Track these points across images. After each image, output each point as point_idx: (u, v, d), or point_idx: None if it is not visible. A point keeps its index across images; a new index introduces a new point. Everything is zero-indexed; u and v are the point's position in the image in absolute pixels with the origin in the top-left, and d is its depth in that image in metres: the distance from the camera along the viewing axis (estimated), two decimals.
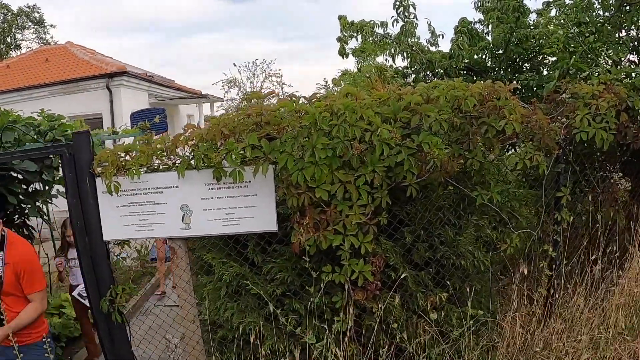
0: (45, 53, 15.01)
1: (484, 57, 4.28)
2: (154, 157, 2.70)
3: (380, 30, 4.30)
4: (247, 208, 2.67)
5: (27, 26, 28.04)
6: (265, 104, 2.79)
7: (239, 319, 2.78)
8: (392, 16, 4.18)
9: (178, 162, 2.68)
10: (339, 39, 4.48)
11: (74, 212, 2.80)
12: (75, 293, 4.40)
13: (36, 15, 28.04)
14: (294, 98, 2.65)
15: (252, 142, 2.50)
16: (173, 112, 14.39)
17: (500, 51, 4.10)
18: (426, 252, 2.92)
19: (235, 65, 39.90)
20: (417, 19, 4.16)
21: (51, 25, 29.19)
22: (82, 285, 3.86)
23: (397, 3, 4.10)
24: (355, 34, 4.33)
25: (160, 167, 2.72)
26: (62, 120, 3.89)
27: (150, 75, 13.63)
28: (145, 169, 2.71)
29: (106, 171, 2.64)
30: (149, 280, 5.98)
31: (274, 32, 57.81)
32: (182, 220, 2.70)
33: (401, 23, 4.16)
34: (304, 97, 2.71)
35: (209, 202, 2.67)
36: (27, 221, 4.21)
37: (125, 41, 52.11)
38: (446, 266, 2.98)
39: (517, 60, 4.13)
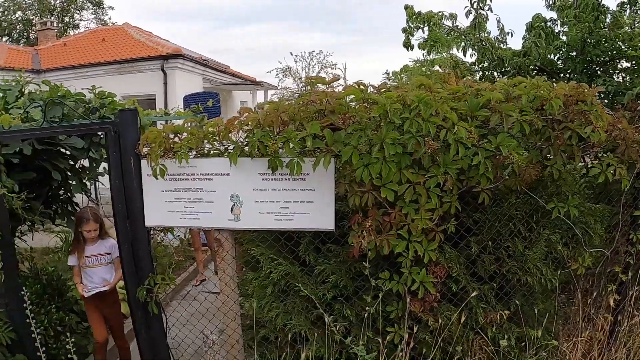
0: (102, 33, 15.09)
1: (556, 57, 3.95)
2: (205, 141, 2.51)
3: (448, 23, 4.00)
4: (303, 203, 2.45)
5: (85, 7, 28.47)
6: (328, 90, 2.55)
7: (284, 320, 2.58)
8: (465, 6, 3.88)
9: (231, 148, 2.48)
10: (404, 30, 4.19)
11: (116, 195, 2.63)
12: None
13: None
14: (362, 86, 2.41)
15: (314, 131, 2.28)
16: (226, 98, 14.35)
17: (574, 53, 3.76)
18: (492, 264, 2.66)
19: (291, 55, 40.33)
20: (491, 11, 3.86)
21: (109, 7, 29.63)
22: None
23: None
24: (421, 25, 4.04)
25: (211, 152, 2.52)
26: (113, 98, 3.73)
27: (205, 60, 13.56)
28: (194, 153, 2.51)
29: (152, 152, 2.45)
30: (191, 264, 5.85)
31: (328, 24, 57.53)
32: (231, 211, 2.50)
33: (472, 16, 3.86)
34: (372, 86, 2.47)
35: (262, 193, 2.46)
36: (72, 197, 4.11)
37: (181, 26, 52.72)
38: (511, 282, 2.72)
39: (593, 63, 3.78)
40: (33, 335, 2.59)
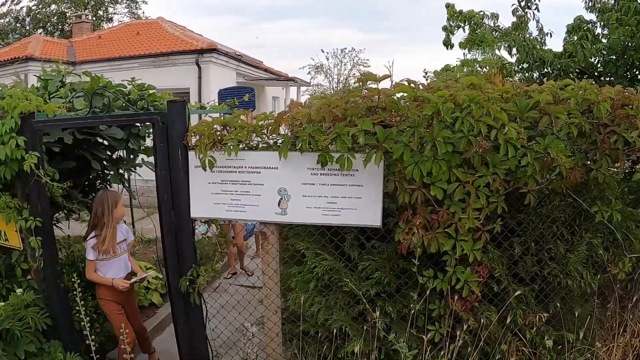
0: (137, 27, 15.19)
1: (596, 60, 3.95)
2: (254, 134, 2.54)
3: (489, 22, 4.02)
4: (351, 199, 2.48)
5: (119, 1, 28.94)
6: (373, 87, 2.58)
7: (326, 315, 2.61)
8: (513, 4, 3.88)
9: (280, 141, 2.51)
10: (444, 29, 4.21)
11: (162, 185, 2.68)
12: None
13: None
14: (412, 84, 2.43)
15: (365, 127, 2.30)
16: (259, 93, 14.45)
17: (614, 56, 3.76)
18: (533, 266, 2.67)
19: (323, 52, 40.76)
20: (538, 10, 3.86)
21: (143, 1, 30.16)
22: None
23: None
24: (462, 24, 4.06)
25: (260, 145, 2.55)
26: (152, 91, 3.78)
27: (239, 55, 13.66)
28: (243, 145, 2.55)
29: (201, 144, 2.49)
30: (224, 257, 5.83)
31: (359, 22, 57.77)
32: (278, 205, 2.53)
33: (517, 15, 3.86)
34: (422, 85, 2.49)
35: (310, 188, 2.50)
36: (109, 187, 4.18)
37: (211, 21, 53.32)
38: (551, 284, 2.73)
39: (634, 67, 3.78)
40: (83, 321, 2.62)
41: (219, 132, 2.55)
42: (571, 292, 2.78)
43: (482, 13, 4.07)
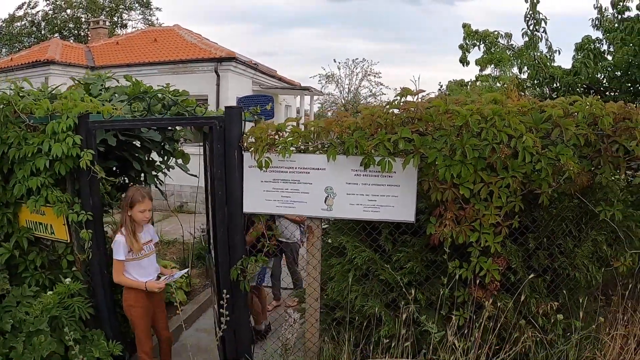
0: (154, 34, 16.15)
1: (601, 76, 4.58)
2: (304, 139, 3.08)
3: (503, 41, 4.64)
4: (389, 197, 3.02)
5: (133, 7, 29.98)
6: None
7: (362, 302, 3.14)
8: (523, 28, 4.52)
9: (327, 145, 3.05)
10: (461, 47, 4.83)
11: (217, 183, 3.18)
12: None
13: None
14: (445, 99, 3.00)
15: (404, 135, 2.85)
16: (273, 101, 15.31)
17: (619, 73, 4.40)
18: (545, 259, 3.24)
19: (335, 62, 42.09)
20: (546, 33, 4.50)
21: (157, 8, 31.33)
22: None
23: (529, 16, 4.44)
24: (477, 43, 4.68)
25: (309, 148, 3.09)
26: (186, 96, 4.30)
27: (255, 63, 14.49)
28: (294, 148, 3.08)
29: (259, 147, 3.02)
30: None
31: (368, 31, 59.51)
32: (325, 202, 3.06)
33: (528, 36, 4.49)
34: (453, 99, 3.06)
35: (353, 187, 3.03)
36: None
37: (223, 29, 54.78)
38: (561, 276, 3.30)
39: (637, 82, 4.41)
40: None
41: (271, 136, 3.08)
42: (578, 283, 3.34)
43: (496, 33, 4.69)
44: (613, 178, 3.40)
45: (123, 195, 3.74)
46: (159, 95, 4.11)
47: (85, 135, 3.48)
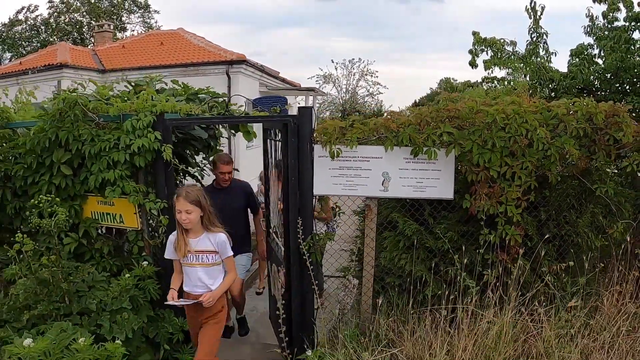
0: (159, 37, 16.89)
1: (593, 79, 5.62)
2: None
3: (509, 48, 5.64)
4: (433, 179, 3.93)
5: (133, 10, 31.01)
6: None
7: (410, 267, 4.04)
8: (527, 40, 5.53)
9: (383, 137, 3.94)
10: (470, 52, 5.81)
11: (291, 171, 4.03)
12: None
13: (141, 0, 31.08)
14: (475, 101, 3.94)
15: (447, 129, 3.78)
16: None
17: (609, 75, 5.43)
18: (554, 228, 4.20)
19: (332, 62, 43.72)
20: (547, 44, 5.51)
21: (155, 11, 32.09)
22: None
23: (532, 29, 5.46)
24: (485, 49, 5.67)
25: (369, 141, 3.98)
26: (224, 98, 5.12)
27: (262, 65, 15.29)
28: (357, 140, 3.96)
29: (330, 139, 3.88)
30: None
31: (359, 30, 61.15)
32: (382, 184, 3.96)
33: (530, 44, 5.49)
34: (483, 101, 4.00)
35: (405, 172, 3.93)
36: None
37: (213, 30, 55.59)
38: (567, 242, 4.26)
39: (625, 83, 5.46)
40: None
41: (338, 131, 3.96)
42: (580, 248, 4.31)
43: (502, 40, 5.71)
44: (607, 163, 4.39)
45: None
46: (200, 96, 4.91)
47: (163, 131, 4.06)
